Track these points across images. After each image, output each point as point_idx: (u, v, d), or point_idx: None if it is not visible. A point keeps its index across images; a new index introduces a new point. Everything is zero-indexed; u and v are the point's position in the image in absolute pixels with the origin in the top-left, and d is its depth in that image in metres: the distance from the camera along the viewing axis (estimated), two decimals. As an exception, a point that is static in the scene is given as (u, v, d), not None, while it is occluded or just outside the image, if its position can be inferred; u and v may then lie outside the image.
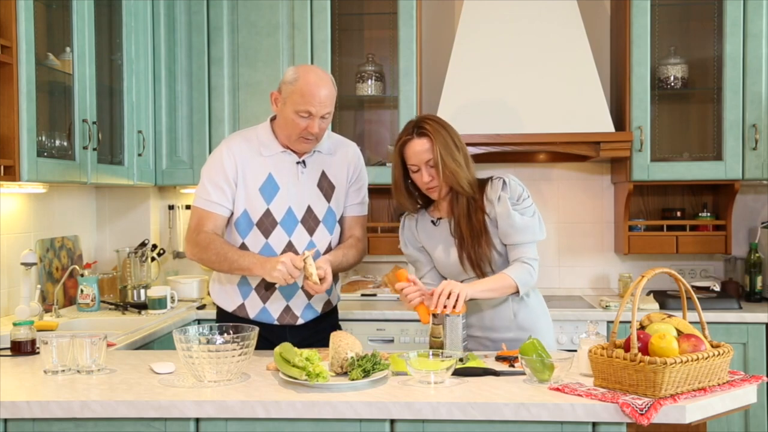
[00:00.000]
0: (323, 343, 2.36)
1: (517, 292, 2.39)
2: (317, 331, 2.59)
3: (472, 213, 2.44)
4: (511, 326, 2.48)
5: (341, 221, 2.64)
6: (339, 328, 2.72)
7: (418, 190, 2.51)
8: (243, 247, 2.53)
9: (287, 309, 2.57)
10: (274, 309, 2.57)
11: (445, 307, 2.23)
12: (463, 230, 2.44)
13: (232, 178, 2.50)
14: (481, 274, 2.43)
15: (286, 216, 2.52)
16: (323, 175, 2.58)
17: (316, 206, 2.56)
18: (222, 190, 2.50)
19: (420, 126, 2.41)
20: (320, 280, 2.35)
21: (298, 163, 2.55)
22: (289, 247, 2.52)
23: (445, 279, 2.48)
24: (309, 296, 2.57)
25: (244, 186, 2.51)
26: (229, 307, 2.60)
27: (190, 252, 2.52)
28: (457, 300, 2.24)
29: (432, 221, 2.54)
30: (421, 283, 2.41)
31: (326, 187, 2.58)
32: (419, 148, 2.39)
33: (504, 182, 2.43)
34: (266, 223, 2.51)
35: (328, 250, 2.58)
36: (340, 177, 2.61)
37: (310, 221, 2.55)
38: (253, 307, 2.57)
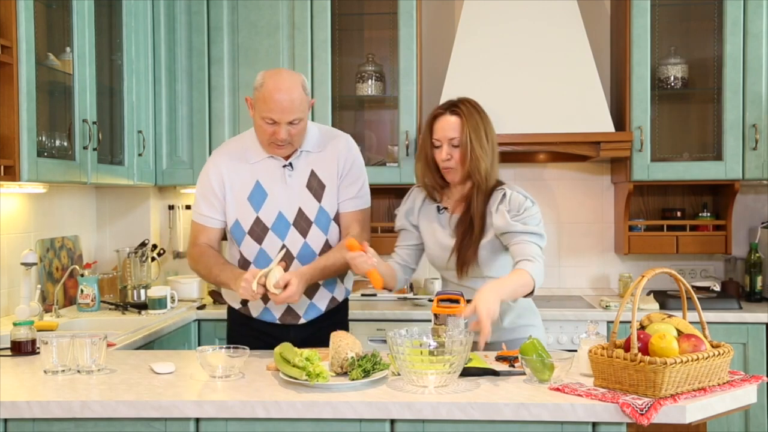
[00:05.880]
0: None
1: (532, 291, 2.29)
2: (322, 327, 2.53)
3: (485, 218, 2.40)
4: (497, 328, 2.39)
5: (339, 218, 2.59)
6: (347, 325, 2.70)
7: (439, 171, 2.47)
8: (240, 255, 2.55)
9: (289, 309, 2.56)
10: (276, 309, 2.56)
11: (447, 307, 2.22)
12: (464, 230, 2.42)
13: (219, 191, 2.53)
14: (461, 274, 2.41)
15: (276, 221, 2.51)
16: (312, 174, 2.53)
17: (307, 208, 2.52)
18: (211, 204, 2.55)
19: (455, 105, 2.42)
20: (285, 287, 2.30)
21: (284, 166, 2.51)
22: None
23: (431, 264, 2.55)
24: (311, 296, 2.56)
25: (233, 197, 2.53)
26: (235, 304, 2.65)
27: (189, 265, 2.62)
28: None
29: (438, 207, 2.51)
30: (393, 253, 2.51)
31: (316, 186, 2.53)
32: (447, 125, 2.40)
33: (504, 195, 2.39)
34: (257, 231, 2.52)
35: (326, 249, 2.55)
36: (330, 174, 2.54)
37: (302, 223, 2.52)
38: (256, 307, 2.59)
